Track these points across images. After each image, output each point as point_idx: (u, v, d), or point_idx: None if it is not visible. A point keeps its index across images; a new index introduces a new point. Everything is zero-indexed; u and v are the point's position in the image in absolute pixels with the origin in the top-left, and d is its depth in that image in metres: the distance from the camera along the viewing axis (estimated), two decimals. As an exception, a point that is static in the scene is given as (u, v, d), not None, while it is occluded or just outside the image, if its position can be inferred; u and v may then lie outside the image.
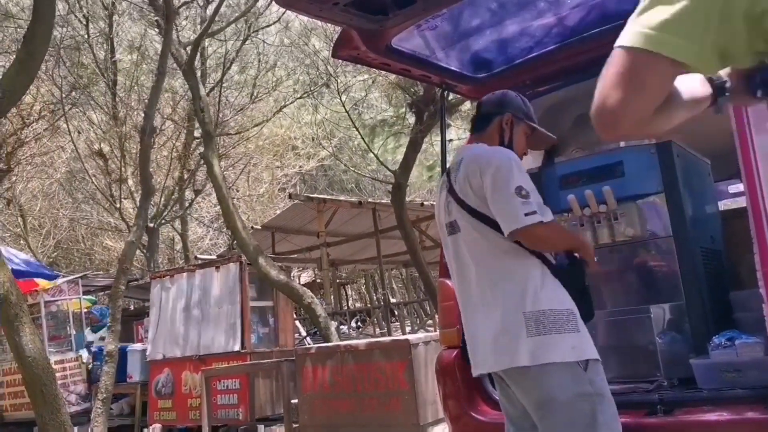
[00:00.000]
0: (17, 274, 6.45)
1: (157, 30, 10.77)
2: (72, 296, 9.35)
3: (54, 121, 12.27)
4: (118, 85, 13.06)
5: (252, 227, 12.49)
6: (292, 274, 14.64)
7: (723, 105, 1.25)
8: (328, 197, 14.13)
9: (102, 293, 12.81)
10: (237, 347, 6.87)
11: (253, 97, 13.97)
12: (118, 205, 12.40)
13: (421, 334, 7.65)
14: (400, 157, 10.55)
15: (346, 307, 20.14)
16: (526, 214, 1.92)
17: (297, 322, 10.42)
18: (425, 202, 13.83)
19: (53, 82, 11.39)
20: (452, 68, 2.84)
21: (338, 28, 2.45)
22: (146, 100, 9.60)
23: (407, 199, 10.04)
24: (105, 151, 12.67)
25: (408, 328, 12.96)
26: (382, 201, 13.34)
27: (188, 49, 9.05)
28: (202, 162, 10.76)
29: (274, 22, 13.07)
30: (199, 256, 15.53)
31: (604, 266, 2.68)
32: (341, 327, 13.22)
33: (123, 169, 12.10)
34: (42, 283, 8.83)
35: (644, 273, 2.63)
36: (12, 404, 8.65)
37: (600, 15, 2.56)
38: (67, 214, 17.67)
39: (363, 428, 4.91)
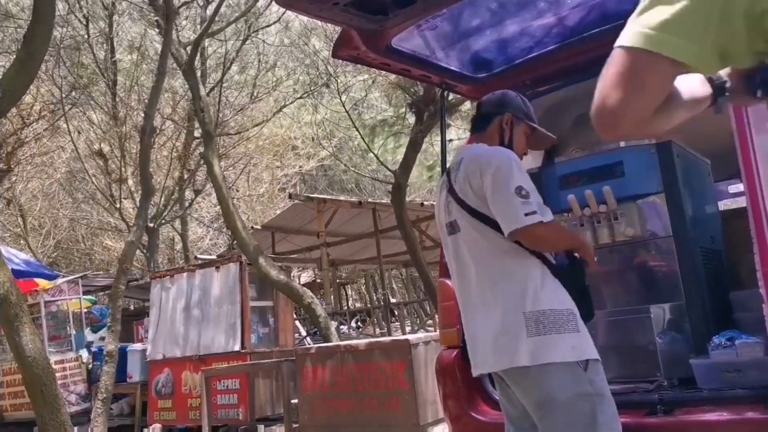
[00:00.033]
0: (17, 274, 6.45)
1: (157, 30, 10.78)
2: (72, 296, 9.35)
3: (54, 121, 12.27)
4: (118, 85, 13.07)
5: (252, 227, 12.49)
6: (292, 274, 14.65)
7: (723, 105, 1.25)
8: (328, 197, 14.14)
9: (102, 293, 12.81)
10: (237, 347, 6.87)
11: (253, 97, 13.97)
12: (118, 205, 12.40)
13: (421, 334, 7.65)
14: (400, 157, 10.55)
15: (346, 307, 20.14)
16: (526, 214, 1.92)
17: (297, 322, 10.42)
18: (425, 202, 13.83)
19: (53, 82, 11.39)
20: (452, 68, 2.84)
21: (338, 28, 2.45)
22: (146, 100, 9.60)
23: (407, 199, 10.04)
24: (105, 151, 12.67)
25: (408, 328, 12.96)
26: (382, 201, 13.34)
27: (188, 49, 9.04)
28: (202, 162, 10.76)
29: (274, 22, 13.07)
30: (199, 256, 15.53)
31: (604, 266, 2.68)
32: (341, 327, 13.22)
33: (123, 169, 12.10)
34: (42, 283, 8.83)
35: (644, 273, 2.63)
36: (12, 404, 8.65)
37: (600, 15, 2.56)
38: (67, 214, 17.67)
39: (363, 428, 4.91)
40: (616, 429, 1.90)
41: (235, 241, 9.86)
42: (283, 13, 11.69)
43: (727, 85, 1.23)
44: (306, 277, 22.29)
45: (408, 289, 22.92)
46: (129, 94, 12.69)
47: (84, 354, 8.48)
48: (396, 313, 14.61)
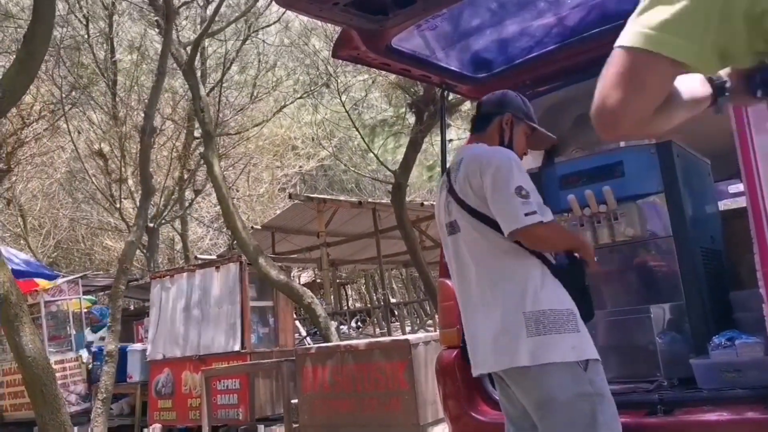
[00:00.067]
0: (17, 274, 6.45)
1: (157, 30, 10.78)
2: (72, 296, 9.35)
3: (54, 121, 12.27)
4: (118, 85, 13.07)
5: (252, 227, 12.50)
6: (292, 274, 14.65)
7: (723, 105, 1.26)
8: (328, 197, 14.14)
9: (102, 293, 12.81)
10: (237, 347, 6.87)
11: (253, 97, 13.98)
12: (118, 205, 12.40)
13: (421, 334, 7.64)
14: (400, 157, 10.55)
15: (346, 307, 20.14)
16: (526, 214, 1.92)
17: (297, 322, 10.42)
18: (425, 202, 13.83)
19: (53, 82, 11.39)
20: (452, 68, 2.84)
21: (338, 28, 2.45)
22: (146, 100, 9.60)
23: (407, 199, 10.04)
24: (105, 151, 12.67)
25: (408, 328, 12.96)
26: (382, 201, 13.34)
27: (188, 49, 9.04)
28: (202, 162, 10.76)
29: (274, 22, 13.07)
30: (199, 256, 15.53)
31: (604, 266, 2.68)
32: (341, 327, 13.22)
33: (123, 169, 12.10)
34: (42, 283, 8.83)
35: (644, 273, 2.63)
36: (12, 404, 8.65)
37: (600, 15, 2.56)
38: (67, 214, 17.67)
39: (363, 428, 4.91)
40: (616, 429, 1.90)
41: (235, 241, 9.86)
42: (283, 13, 11.69)
43: (727, 85, 1.23)
44: (306, 277, 22.29)
45: (408, 289, 22.92)
46: (129, 94, 12.70)
47: (84, 354, 8.48)
48: (396, 313, 14.61)
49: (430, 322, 12.94)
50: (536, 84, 2.91)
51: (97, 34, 12.61)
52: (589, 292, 2.10)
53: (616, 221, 2.60)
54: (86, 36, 12.08)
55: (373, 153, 12.67)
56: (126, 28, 13.81)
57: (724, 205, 3.00)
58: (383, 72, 4.30)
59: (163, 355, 7.53)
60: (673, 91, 1.02)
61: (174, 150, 13.06)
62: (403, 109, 11.62)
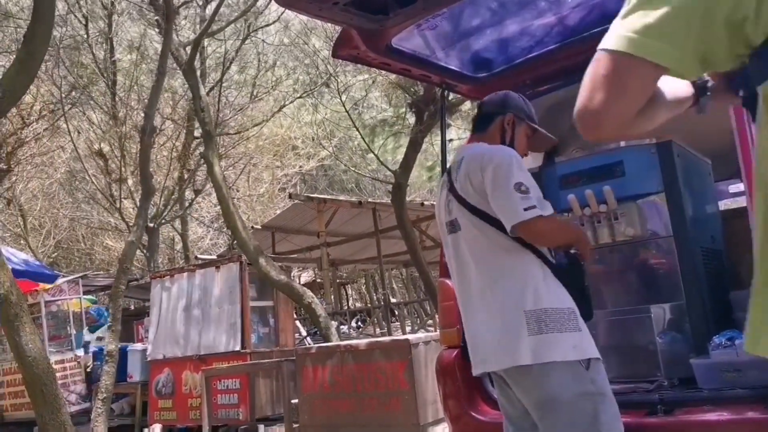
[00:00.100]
0: (17, 274, 6.44)
1: (157, 30, 10.78)
2: (72, 296, 9.35)
3: (54, 121, 12.27)
4: (118, 85, 13.07)
5: (252, 227, 12.50)
6: (292, 274, 14.65)
7: (705, 104, 1.27)
8: (329, 197, 14.14)
9: (102, 293, 12.82)
10: (237, 347, 6.87)
11: (252, 97, 13.97)
12: (118, 205, 12.40)
13: (421, 334, 7.65)
14: (400, 157, 10.55)
15: (346, 307, 20.15)
16: (526, 209, 1.92)
17: (297, 322, 10.42)
18: (425, 202, 13.84)
19: (53, 82, 11.40)
20: (452, 68, 2.84)
21: (338, 28, 2.44)
22: (146, 100, 9.60)
23: (407, 198, 10.04)
24: (105, 151, 12.67)
25: (408, 328, 12.96)
26: (383, 201, 13.35)
27: (188, 48, 9.04)
28: (202, 162, 10.76)
29: (274, 22, 13.07)
30: (199, 256, 15.53)
31: (604, 266, 2.68)
32: (341, 327, 13.22)
33: (123, 169, 12.10)
34: (42, 286, 8.84)
35: (644, 273, 2.62)
36: (12, 404, 8.65)
37: (600, 15, 2.55)
38: (67, 214, 17.67)
39: (363, 428, 4.91)
40: (617, 428, 1.90)
41: (235, 241, 9.86)
42: (283, 12, 11.69)
43: (709, 84, 1.24)
44: (306, 277, 22.29)
45: (408, 288, 22.92)
46: (129, 94, 12.70)
47: (80, 353, 8.47)
48: (396, 313, 14.61)
49: (430, 322, 12.95)
50: (536, 84, 2.91)
51: (97, 34, 12.61)
52: (589, 293, 2.10)
53: (617, 221, 2.60)
54: (86, 36, 12.08)
55: (373, 153, 12.67)
56: (126, 28, 13.81)
57: (724, 204, 2.99)
58: (383, 72, 4.30)
59: (164, 354, 7.53)
60: (655, 91, 1.03)
61: (174, 150, 13.07)
62: (404, 109, 11.62)
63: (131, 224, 9.40)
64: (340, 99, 11.55)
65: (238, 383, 6.53)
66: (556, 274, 2.02)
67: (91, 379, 8.12)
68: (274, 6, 10.82)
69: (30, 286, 8.61)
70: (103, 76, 12.49)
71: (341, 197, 15.30)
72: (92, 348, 8.27)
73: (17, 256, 9.19)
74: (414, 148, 8.83)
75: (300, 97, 14.20)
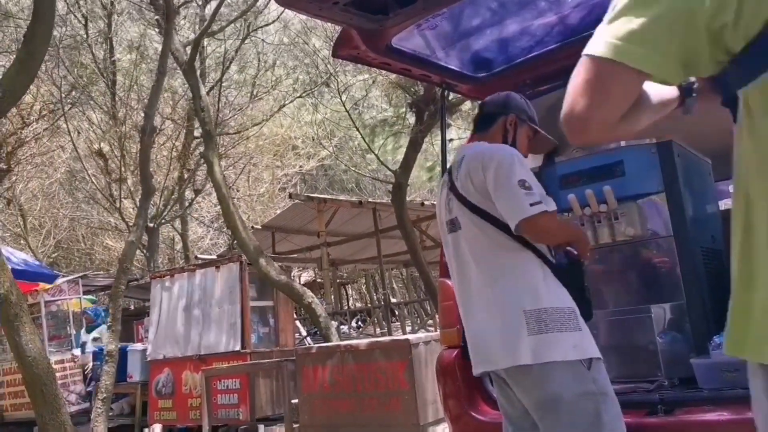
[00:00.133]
0: (17, 274, 6.45)
1: (157, 30, 10.78)
2: (72, 296, 9.35)
3: (54, 121, 12.27)
4: (118, 85, 13.07)
5: (252, 227, 12.50)
6: (292, 274, 14.65)
7: (691, 106, 1.28)
8: (329, 197, 14.14)
9: (102, 293, 12.82)
10: (237, 347, 6.87)
11: (252, 97, 13.97)
12: (118, 205, 12.41)
13: (421, 334, 7.64)
14: (400, 156, 10.55)
15: (346, 307, 20.15)
16: (531, 204, 1.92)
17: (297, 322, 10.42)
18: (426, 202, 13.84)
19: (53, 82, 11.40)
20: (452, 68, 2.84)
21: (338, 27, 2.44)
22: (146, 100, 9.60)
23: (407, 198, 10.04)
24: (105, 150, 12.68)
25: (408, 328, 12.96)
26: (383, 201, 13.35)
27: (188, 48, 9.04)
28: (202, 162, 10.76)
29: (273, 21, 13.08)
30: (199, 255, 15.54)
31: (604, 266, 2.68)
32: (341, 327, 13.23)
33: (123, 168, 12.10)
34: (42, 286, 8.84)
35: (645, 272, 2.62)
36: (12, 404, 8.65)
37: (600, 14, 2.54)
38: (67, 214, 17.67)
39: (363, 428, 4.91)
40: (619, 428, 1.89)
41: (235, 241, 9.86)
42: (282, 11, 11.69)
43: (695, 86, 1.25)
44: (306, 276, 22.30)
45: (408, 288, 22.92)
46: (129, 93, 12.70)
47: (78, 353, 8.47)
48: (396, 312, 14.61)
49: (430, 321, 12.95)
50: (537, 83, 2.91)
51: (97, 34, 12.61)
52: (589, 293, 2.09)
53: (617, 221, 2.59)
54: (85, 36, 12.08)
55: (373, 153, 12.67)
56: (125, 28, 13.81)
57: (724, 204, 2.99)
58: (383, 71, 4.30)
59: (164, 354, 7.53)
60: (640, 94, 1.04)
61: (174, 150, 13.07)
62: (404, 109, 11.63)
63: (131, 224, 9.40)
64: (340, 99, 11.56)
65: (238, 383, 6.53)
66: (556, 273, 2.01)
67: (89, 379, 8.12)
68: (273, 6, 10.83)
69: (30, 286, 8.61)
70: (103, 76, 12.50)
71: (341, 197, 15.30)
72: (89, 348, 8.25)
73: (17, 256, 9.20)
74: (414, 147, 8.84)
75: (300, 96, 14.21)
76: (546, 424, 1.93)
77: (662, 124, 1.29)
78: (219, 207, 9.83)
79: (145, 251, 12.78)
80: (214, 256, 14.28)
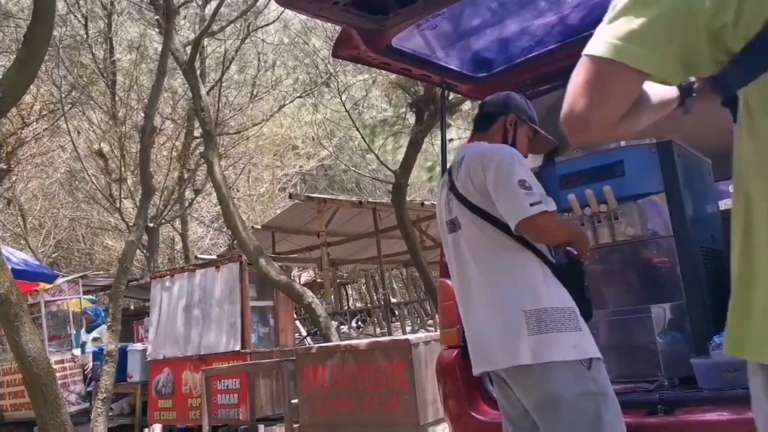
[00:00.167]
0: (17, 274, 6.45)
1: (157, 29, 10.78)
2: (72, 296, 9.35)
3: (54, 121, 12.27)
4: (118, 85, 13.07)
5: (252, 227, 12.50)
6: (292, 274, 14.64)
7: (691, 105, 1.28)
8: (329, 197, 14.14)
9: (102, 293, 12.82)
10: (237, 347, 6.87)
11: (252, 97, 13.98)
12: (118, 205, 12.41)
13: (421, 334, 7.65)
14: (400, 156, 10.55)
15: (346, 307, 20.16)
16: (531, 204, 1.92)
17: (297, 322, 10.42)
18: (426, 202, 13.84)
19: (53, 82, 11.40)
20: (452, 68, 2.84)
21: (338, 27, 2.44)
22: (146, 100, 9.60)
23: (407, 198, 10.04)
24: (105, 150, 12.68)
25: (408, 328, 12.96)
26: (383, 201, 13.35)
27: (188, 48, 9.04)
28: (202, 161, 10.76)
29: (273, 21, 13.08)
30: (199, 255, 15.54)
31: (604, 266, 2.68)
32: (342, 327, 13.23)
33: (123, 168, 12.11)
34: (42, 286, 8.84)
35: (645, 272, 2.62)
36: (12, 404, 8.65)
37: (600, 14, 2.54)
38: (67, 214, 17.68)
39: (363, 428, 4.91)
40: (620, 428, 1.89)
41: (235, 241, 9.86)
42: (282, 11, 11.69)
43: (695, 85, 1.25)
44: (306, 276, 22.30)
45: (408, 288, 22.92)
46: (128, 93, 12.70)
47: (78, 353, 8.46)
48: (396, 312, 14.61)
49: (430, 321, 12.95)
50: (537, 83, 2.91)
51: (97, 34, 12.61)
52: (589, 293, 2.09)
53: (617, 221, 2.59)
54: (85, 36, 12.09)
55: (373, 153, 12.67)
56: (125, 28, 13.81)
57: (724, 204, 2.99)
58: (383, 71, 4.30)
59: (164, 354, 7.53)
60: (640, 94, 1.05)
61: (174, 150, 13.07)
62: (404, 109, 11.63)
63: (131, 224, 9.40)
64: (340, 99, 11.56)
65: (238, 383, 6.53)
66: (556, 273, 2.01)
67: (89, 379, 8.11)
68: (273, 5, 10.83)
69: (30, 286, 8.61)
70: (103, 76, 12.50)
71: (341, 197, 15.30)
72: (89, 348, 8.25)
73: (17, 256, 9.20)
74: (414, 147, 8.84)
75: (300, 96, 14.21)
76: (546, 424, 1.92)
77: (662, 124, 1.29)
78: (219, 207, 9.83)
79: (145, 251, 12.78)
80: (214, 256, 14.28)
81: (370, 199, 14.56)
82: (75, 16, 11.95)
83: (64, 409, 5.24)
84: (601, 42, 0.94)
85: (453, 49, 2.79)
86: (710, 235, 2.69)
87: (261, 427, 6.34)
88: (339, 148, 17.18)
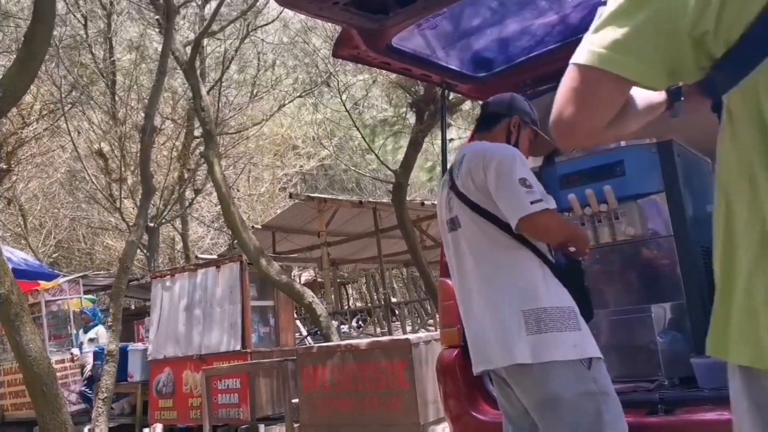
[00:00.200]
0: (17, 273, 6.45)
1: (157, 29, 10.78)
2: (73, 296, 9.36)
3: (54, 120, 12.28)
4: (118, 85, 13.07)
5: (252, 227, 12.50)
6: (292, 274, 14.65)
7: (679, 109, 1.29)
8: (329, 197, 14.14)
9: (103, 293, 12.83)
10: (238, 347, 6.87)
11: (252, 96, 13.98)
12: (118, 205, 12.42)
13: (421, 334, 7.65)
14: (400, 156, 10.55)
15: (346, 307, 20.17)
16: (532, 202, 1.92)
17: (298, 322, 10.42)
18: (426, 202, 13.84)
19: (53, 82, 11.40)
20: (453, 67, 2.83)
21: (338, 27, 2.44)
22: (146, 100, 9.61)
23: (408, 198, 10.04)
24: (105, 150, 12.68)
25: (409, 328, 12.97)
26: (383, 200, 13.35)
27: (188, 48, 9.04)
28: (202, 161, 10.76)
29: (273, 21, 13.08)
30: (199, 255, 15.54)
31: (605, 265, 2.68)
32: (342, 326, 13.23)
33: (123, 168, 12.11)
34: (43, 285, 8.84)
35: (645, 272, 2.62)
36: (13, 404, 8.66)
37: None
38: (67, 214, 17.69)
39: (364, 428, 4.91)
40: (621, 427, 1.89)
41: (235, 241, 9.86)
42: (282, 11, 11.69)
43: (683, 89, 1.26)
44: (306, 276, 22.30)
45: (409, 288, 22.93)
46: (128, 93, 12.71)
47: (77, 352, 8.47)
48: (397, 312, 14.62)
49: (431, 321, 12.95)
50: (537, 83, 2.91)
51: (96, 34, 12.61)
52: (589, 293, 2.09)
53: (617, 220, 2.59)
54: (85, 36, 12.09)
55: (373, 152, 12.67)
56: (125, 28, 13.82)
57: (725, 204, 2.99)
58: (384, 71, 4.30)
59: (164, 354, 7.53)
60: (627, 99, 1.08)
61: (174, 150, 13.07)
62: (404, 109, 11.63)
63: (131, 224, 9.40)
64: (341, 98, 11.56)
65: (238, 383, 6.54)
66: (555, 273, 2.01)
67: (85, 379, 8.10)
68: (273, 5, 10.83)
69: (30, 286, 8.62)
70: (103, 76, 12.50)
71: (342, 197, 15.31)
72: (85, 348, 8.24)
73: (18, 256, 9.21)
74: (414, 147, 8.84)
75: (300, 96, 14.22)
76: (546, 424, 1.92)
77: (662, 124, 1.29)
78: (219, 207, 9.83)
79: (145, 251, 12.78)
80: (215, 256, 14.28)
81: (370, 199, 14.57)
82: (75, 16, 11.96)
83: (64, 409, 5.24)
84: (587, 51, 0.97)
85: (453, 49, 2.79)
86: (710, 235, 2.68)
87: (261, 427, 6.35)
88: (339, 148, 17.18)
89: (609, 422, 1.86)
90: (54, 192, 17.06)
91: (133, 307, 12.19)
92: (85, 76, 12.41)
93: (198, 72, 9.90)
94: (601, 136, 1.06)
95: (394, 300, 18.33)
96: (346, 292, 24.89)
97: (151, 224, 12.13)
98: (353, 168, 16.13)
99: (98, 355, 7.85)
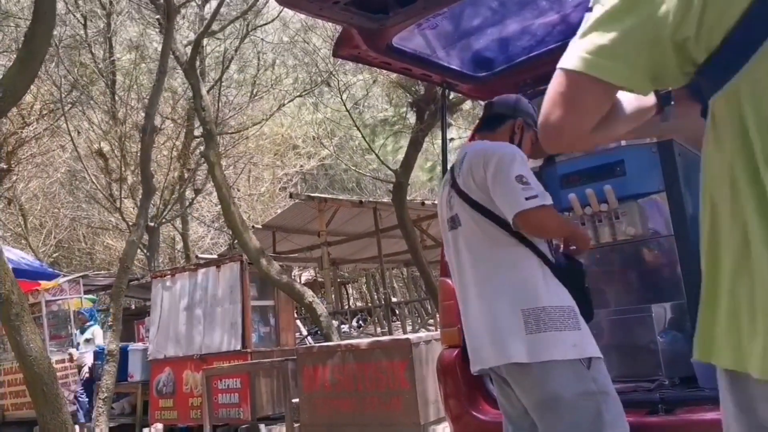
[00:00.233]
0: (17, 273, 6.45)
1: (157, 29, 10.78)
2: (73, 295, 9.36)
3: (54, 120, 12.28)
4: (118, 85, 13.07)
5: (253, 226, 12.50)
6: (293, 274, 14.65)
7: (669, 113, 1.29)
8: (329, 196, 14.14)
9: (103, 293, 12.83)
10: (238, 346, 6.87)
11: (252, 96, 13.98)
12: (118, 205, 12.43)
13: (422, 333, 7.65)
14: (400, 156, 10.55)
15: (347, 307, 20.17)
16: (527, 198, 1.92)
17: (298, 322, 10.43)
18: (426, 201, 13.84)
19: (53, 82, 11.41)
20: (453, 67, 2.83)
21: (338, 26, 2.44)
22: (146, 100, 9.61)
23: (408, 198, 10.04)
24: (105, 150, 12.68)
25: (409, 327, 12.97)
26: (383, 200, 13.35)
27: (188, 48, 9.04)
28: (202, 161, 10.77)
29: (273, 20, 13.08)
30: (200, 255, 15.54)
31: (605, 265, 2.68)
32: (342, 326, 13.24)
33: (123, 168, 12.11)
34: (43, 282, 8.84)
35: (645, 272, 2.62)
36: (13, 403, 8.66)
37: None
38: (67, 214, 17.69)
39: (364, 427, 4.91)
40: (622, 427, 1.89)
41: (236, 241, 9.86)
42: (282, 10, 11.69)
43: (672, 93, 1.27)
44: (307, 276, 22.31)
45: (409, 288, 22.93)
46: (128, 93, 12.71)
47: (75, 352, 8.46)
48: (397, 312, 14.62)
49: (431, 321, 12.95)
50: (537, 83, 2.91)
51: (96, 34, 12.62)
52: (589, 293, 2.09)
53: (618, 220, 2.59)
54: (85, 35, 12.09)
55: (374, 152, 12.67)
56: (125, 28, 13.82)
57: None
58: (384, 71, 4.30)
59: (165, 354, 7.53)
60: (616, 103, 1.10)
61: (174, 149, 13.08)
62: (404, 108, 11.63)
63: (132, 224, 9.40)
64: (341, 98, 11.56)
65: (239, 382, 6.54)
66: (555, 274, 2.01)
67: (81, 380, 8.09)
68: (273, 4, 10.84)
69: (31, 286, 8.62)
70: (103, 76, 12.50)
71: (342, 196, 15.31)
72: (82, 349, 8.23)
73: (18, 255, 9.21)
74: (415, 147, 8.84)
75: (300, 96, 14.21)
76: (546, 423, 1.92)
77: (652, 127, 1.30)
78: (219, 206, 9.83)
79: (145, 251, 12.78)
80: (215, 256, 14.28)
81: (370, 199, 14.57)
82: (75, 15, 11.96)
83: (65, 409, 5.24)
84: (574, 56, 0.98)
85: (453, 49, 2.78)
86: (711, 235, 2.69)
87: (262, 427, 6.35)
88: (339, 148, 17.18)
89: (609, 422, 1.86)
90: (54, 192, 17.06)
91: (133, 306, 12.19)
92: (85, 75, 12.42)
93: (198, 71, 9.90)
94: (588, 139, 1.07)
95: (394, 300, 18.33)
96: (347, 291, 24.90)
97: (152, 224, 12.13)
98: (353, 168, 16.13)
99: (98, 355, 7.85)
